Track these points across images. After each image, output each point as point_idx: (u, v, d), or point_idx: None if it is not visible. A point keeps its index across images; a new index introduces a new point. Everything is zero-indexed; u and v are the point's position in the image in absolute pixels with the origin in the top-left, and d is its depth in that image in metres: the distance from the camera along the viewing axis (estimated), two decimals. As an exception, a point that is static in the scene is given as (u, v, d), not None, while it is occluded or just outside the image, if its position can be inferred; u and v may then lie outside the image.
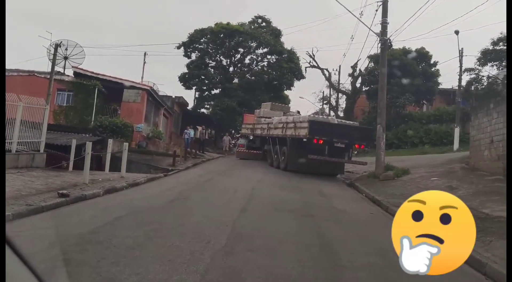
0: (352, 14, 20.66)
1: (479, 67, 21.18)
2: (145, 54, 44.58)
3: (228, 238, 6.33)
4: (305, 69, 44.06)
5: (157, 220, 7.40)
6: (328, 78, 46.88)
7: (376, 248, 6.83)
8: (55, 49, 22.00)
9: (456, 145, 28.42)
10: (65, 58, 28.10)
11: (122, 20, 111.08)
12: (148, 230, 6.56)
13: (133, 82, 28.93)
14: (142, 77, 41.81)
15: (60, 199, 8.93)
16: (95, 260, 4.85)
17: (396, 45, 39.01)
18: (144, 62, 44.30)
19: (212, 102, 42.97)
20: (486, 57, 20.84)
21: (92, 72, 27.11)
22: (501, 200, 10.23)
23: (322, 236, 7.39)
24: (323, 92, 53.45)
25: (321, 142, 18.05)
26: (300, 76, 43.38)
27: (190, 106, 44.42)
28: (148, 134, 28.69)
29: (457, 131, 28.93)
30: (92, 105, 25.44)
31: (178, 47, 42.16)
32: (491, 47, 20.66)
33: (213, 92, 43.76)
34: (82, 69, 27.43)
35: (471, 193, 11.78)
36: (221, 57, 43.30)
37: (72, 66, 27.85)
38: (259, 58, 43.86)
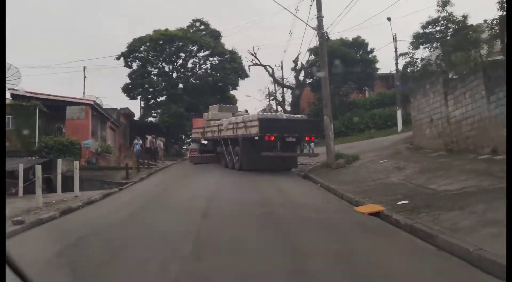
0: (288, 11, 21.24)
1: (413, 51, 22.19)
2: (84, 68, 43.37)
3: (194, 245, 6.44)
4: (249, 68, 44.58)
5: (120, 235, 7.39)
6: (272, 75, 47.55)
7: (337, 234, 7.17)
8: (-12, 73, 21.09)
9: (399, 126, 29.70)
10: None
11: (54, 37, 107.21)
12: (113, 246, 6.55)
13: (75, 98, 28.18)
14: (84, 92, 40.62)
15: (16, 226, 8.68)
16: (64, 284, 4.85)
17: (334, 36, 40.15)
18: (85, 77, 43.09)
19: (159, 110, 42.52)
20: (418, 40, 21.88)
21: (31, 93, 26.17)
22: (445, 175, 10.92)
23: (284, 231, 7.63)
24: (269, 89, 54.08)
25: (273, 138, 18.38)
26: (244, 75, 43.75)
27: (137, 117, 43.73)
28: (97, 149, 28.05)
29: (399, 113, 30.21)
30: (34, 126, 24.57)
31: (118, 58, 41.42)
32: (421, 31, 21.71)
33: (158, 100, 43.31)
34: (19, 90, 26.42)
35: (417, 171, 12.43)
36: (163, 64, 42.87)
37: (8, 89, 26.78)
38: (202, 61, 43.83)
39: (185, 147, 44.50)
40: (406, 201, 8.94)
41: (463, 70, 14.74)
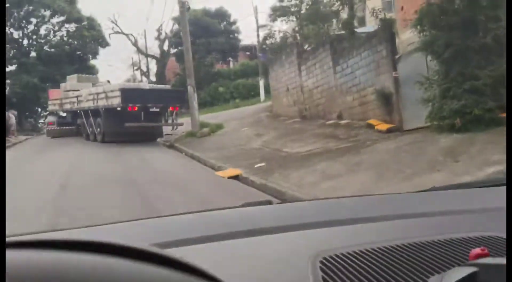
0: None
1: (271, 23, 23.34)
2: None
3: (49, 217, 6.30)
4: (109, 36, 42.45)
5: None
6: (135, 44, 45.91)
7: (194, 193, 7.56)
8: None
9: (262, 96, 31.16)
10: None
11: None
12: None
13: None
14: None
15: None
16: None
17: (197, 6, 40.05)
18: None
19: (9, 81, 38.69)
20: (275, 13, 22.97)
21: None
22: (298, 139, 11.98)
23: (145, 196, 7.79)
24: (132, 58, 52.26)
25: (136, 108, 18.08)
26: (104, 43, 41.56)
27: (-18, 88, 39.29)
28: None
29: (261, 83, 31.63)
30: None
31: (-46, 21, 36.44)
32: (278, 4, 22.82)
33: (8, 69, 39.29)
34: None
35: (275, 137, 13.39)
36: (11, 29, 38.80)
37: None
38: (56, 28, 40.55)
39: (42, 121, 41.33)
40: (263, 164, 9.67)
41: (314, 43, 16.03)
